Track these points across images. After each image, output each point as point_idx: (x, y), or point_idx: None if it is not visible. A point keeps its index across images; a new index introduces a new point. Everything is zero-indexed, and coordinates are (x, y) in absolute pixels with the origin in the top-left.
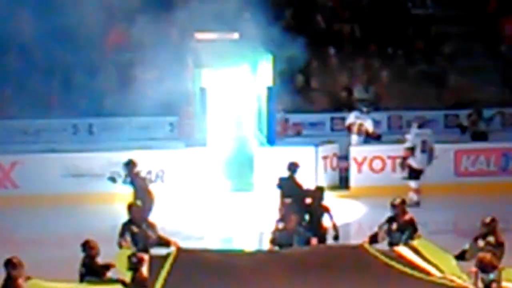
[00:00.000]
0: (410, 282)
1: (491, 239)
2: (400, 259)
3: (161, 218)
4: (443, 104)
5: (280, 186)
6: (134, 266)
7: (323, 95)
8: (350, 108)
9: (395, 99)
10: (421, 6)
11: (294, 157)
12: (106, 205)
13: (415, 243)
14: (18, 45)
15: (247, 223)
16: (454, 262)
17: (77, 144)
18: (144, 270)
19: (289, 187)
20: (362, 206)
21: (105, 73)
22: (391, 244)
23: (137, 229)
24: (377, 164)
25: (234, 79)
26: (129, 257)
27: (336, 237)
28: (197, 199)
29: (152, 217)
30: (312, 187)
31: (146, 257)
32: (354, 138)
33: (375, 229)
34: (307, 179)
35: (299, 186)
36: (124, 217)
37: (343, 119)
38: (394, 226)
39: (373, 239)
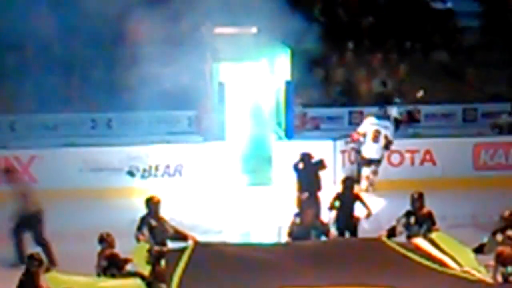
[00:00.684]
0: (427, 274)
1: (510, 233)
2: (418, 251)
3: (179, 212)
4: (462, 98)
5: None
6: (153, 260)
7: (342, 89)
8: (386, 101)
9: (413, 93)
10: (440, 0)
11: (312, 151)
12: (125, 199)
13: (433, 236)
14: (37, 40)
15: (265, 217)
16: (472, 255)
17: (96, 138)
18: (162, 264)
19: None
20: (380, 200)
21: (124, 68)
22: (409, 237)
23: (155, 223)
24: (395, 158)
25: (252, 73)
26: (148, 251)
27: (368, 215)
28: (215, 193)
29: (171, 211)
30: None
31: (163, 250)
32: (371, 146)
33: (393, 223)
34: (325, 173)
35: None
36: (142, 211)
37: (361, 113)
38: (412, 219)
39: (391, 232)
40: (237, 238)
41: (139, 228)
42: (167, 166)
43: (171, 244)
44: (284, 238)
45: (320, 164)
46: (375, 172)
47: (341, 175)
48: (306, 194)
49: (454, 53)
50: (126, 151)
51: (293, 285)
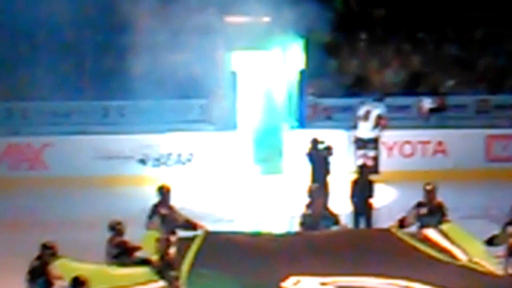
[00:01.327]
0: (436, 265)
1: None
2: (427, 241)
3: (190, 201)
4: (474, 89)
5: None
6: (163, 247)
7: (354, 79)
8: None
9: (425, 84)
10: None
11: (326, 140)
12: (136, 187)
13: (444, 227)
14: (49, 27)
15: (277, 206)
16: (482, 247)
17: (107, 126)
18: (172, 251)
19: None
20: (392, 190)
21: (136, 56)
22: (421, 228)
23: (166, 211)
24: (407, 149)
25: (265, 62)
26: (158, 239)
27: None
28: (226, 182)
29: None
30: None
31: (173, 238)
32: (362, 125)
33: (405, 213)
34: (337, 163)
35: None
36: (153, 199)
37: None
38: (424, 210)
39: (402, 223)
40: (248, 227)
41: (150, 217)
42: (179, 155)
43: (181, 233)
44: (296, 227)
45: (328, 150)
46: (374, 158)
47: (353, 166)
48: (316, 184)
49: (466, 45)
50: (138, 139)
51: (303, 272)
